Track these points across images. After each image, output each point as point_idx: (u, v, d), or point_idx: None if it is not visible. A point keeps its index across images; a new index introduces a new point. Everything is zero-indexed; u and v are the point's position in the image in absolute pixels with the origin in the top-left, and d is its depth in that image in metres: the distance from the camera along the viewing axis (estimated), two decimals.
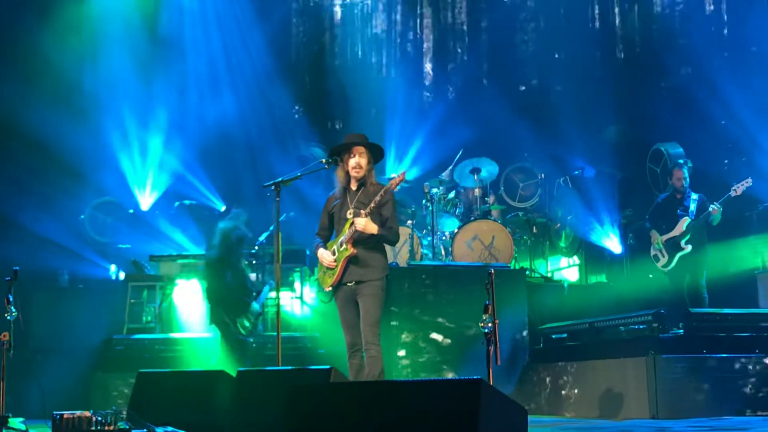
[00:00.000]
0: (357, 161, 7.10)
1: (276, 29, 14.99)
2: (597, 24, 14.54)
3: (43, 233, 12.48)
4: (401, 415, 4.68)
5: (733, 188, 9.63)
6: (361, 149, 7.13)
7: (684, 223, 9.88)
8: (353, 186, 7.19)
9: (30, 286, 11.60)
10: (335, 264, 7.08)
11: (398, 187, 7.14)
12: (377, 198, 6.94)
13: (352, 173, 7.13)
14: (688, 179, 10.24)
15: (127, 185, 13.71)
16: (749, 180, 9.63)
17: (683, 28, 13.30)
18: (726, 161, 11.71)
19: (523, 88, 15.26)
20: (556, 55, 14.97)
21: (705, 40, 12.59)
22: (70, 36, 13.26)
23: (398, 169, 14.17)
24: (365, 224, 6.91)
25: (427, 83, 15.27)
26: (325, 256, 7.18)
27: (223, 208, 13.52)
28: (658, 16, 13.96)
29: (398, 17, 15.47)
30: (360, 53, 15.46)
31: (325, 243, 7.30)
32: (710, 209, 9.68)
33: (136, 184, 13.75)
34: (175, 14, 14.32)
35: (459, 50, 15.40)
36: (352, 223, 6.98)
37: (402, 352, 9.46)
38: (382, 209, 7.03)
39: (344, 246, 7.02)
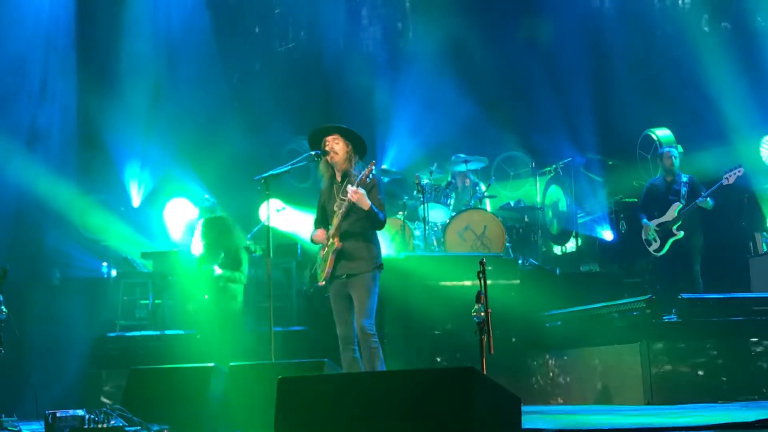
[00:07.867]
0: (330, 146, 7.06)
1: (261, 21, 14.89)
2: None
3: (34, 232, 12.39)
4: (393, 405, 4.65)
5: (724, 176, 9.45)
6: (335, 136, 7.09)
7: (675, 208, 9.78)
8: (338, 178, 7.13)
9: (21, 284, 11.56)
10: (328, 241, 6.99)
11: (371, 175, 6.99)
12: (360, 180, 6.86)
13: (331, 160, 7.08)
14: (678, 162, 10.19)
15: (120, 182, 13.62)
16: (741, 169, 9.41)
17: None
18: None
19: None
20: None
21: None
22: None
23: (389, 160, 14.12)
24: (360, 195, 6.80)
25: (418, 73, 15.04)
26: (320, 235, 7.11)
27: None
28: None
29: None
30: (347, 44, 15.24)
31: None
32: (698, 201, 9.60)
33: (127, 181, 13.67)
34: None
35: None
36: (339, 215, 6.92)
37: (396, 343, 9.45)
38: (369, 195, 6.94)
39: (331, 240, 6.96)
